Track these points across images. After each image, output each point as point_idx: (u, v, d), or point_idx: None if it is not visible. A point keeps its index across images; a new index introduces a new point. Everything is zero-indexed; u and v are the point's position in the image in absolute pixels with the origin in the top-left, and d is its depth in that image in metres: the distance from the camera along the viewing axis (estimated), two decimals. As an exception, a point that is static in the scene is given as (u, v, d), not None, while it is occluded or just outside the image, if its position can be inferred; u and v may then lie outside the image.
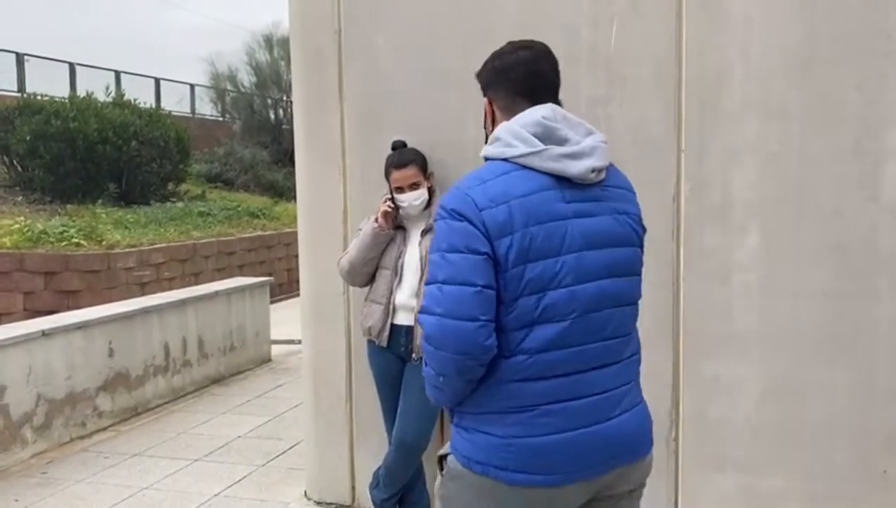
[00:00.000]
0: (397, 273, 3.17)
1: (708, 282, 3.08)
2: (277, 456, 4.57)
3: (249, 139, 19.60)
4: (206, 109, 23.41)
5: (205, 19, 55.57)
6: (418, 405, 3.15)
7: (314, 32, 3.61)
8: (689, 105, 3.05)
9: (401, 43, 3.46)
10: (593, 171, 1.74)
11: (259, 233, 12.94)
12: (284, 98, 19.89)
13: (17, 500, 4.05)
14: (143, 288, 9.58)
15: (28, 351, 4.69)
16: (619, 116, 3.14)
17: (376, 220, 3.14)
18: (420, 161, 3.21)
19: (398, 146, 3.25)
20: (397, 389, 3.24)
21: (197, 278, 10.52)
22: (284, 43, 21.32)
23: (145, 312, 5.76)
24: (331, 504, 3.78)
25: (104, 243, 9.90)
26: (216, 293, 6.61)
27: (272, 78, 21.89)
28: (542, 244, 1.67)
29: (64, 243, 9.55)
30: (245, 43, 27.65)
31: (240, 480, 4.23)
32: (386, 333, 3.17)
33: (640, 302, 1.88)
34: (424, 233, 3.17)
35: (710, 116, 3.02)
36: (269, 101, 21.83)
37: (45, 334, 4.82)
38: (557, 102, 1.83)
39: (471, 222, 1.67)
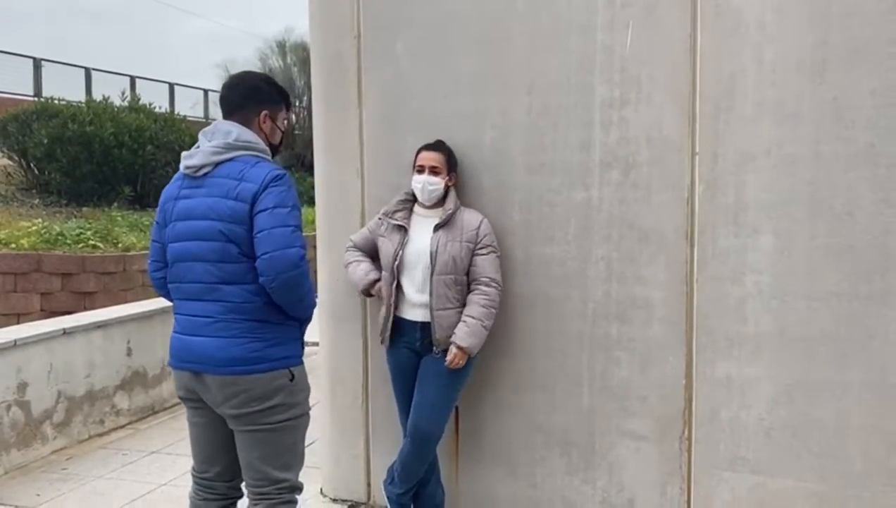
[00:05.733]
0: (394, 274, 3.24)
1: (721, 283, 3.11)
2: (293, 455, 4.61)
3: (262, 145, 19.60)
4: (220, 114, 23.57)
5: (219, 26, 55.97)
6: (434, 397, 3.21)
7: (334, 37, 3.68)
8: (704, 108, 3.09)
9: (419, 47, 3.52)
10: (188, 168, 2.60)
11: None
12: (297, 104, 19.98)
13: (38, 494, 4.13)
14: (158, 290, 9.66)
15: (49, 349, 4.77)
16: (633, 119, 3.19)
17: (367, 291, 3.41)
18: (450, 156, 3.33)
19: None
20: (411, 383, 3.29)
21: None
22: (297, 49, 21.44)
23: (164, 312, 5.81)
24: (346, 501, 3.83)
25: (120, 245, 10.01)
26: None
27: (285, 84, 21.65)
28: (164, 215, 2.68)
29: (80, 245, 9.66)
30: (258, 49, 27.87)
31: (256, 477, 4.27)
32: (387, 333, 3.29)
33: (238, 263, 2.51)
34: (437, 228, 3.23)
35: (724, 118, 3.06)
36: (282, 106, 21.85)
37: (66, 332, 4.90)
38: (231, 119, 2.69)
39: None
